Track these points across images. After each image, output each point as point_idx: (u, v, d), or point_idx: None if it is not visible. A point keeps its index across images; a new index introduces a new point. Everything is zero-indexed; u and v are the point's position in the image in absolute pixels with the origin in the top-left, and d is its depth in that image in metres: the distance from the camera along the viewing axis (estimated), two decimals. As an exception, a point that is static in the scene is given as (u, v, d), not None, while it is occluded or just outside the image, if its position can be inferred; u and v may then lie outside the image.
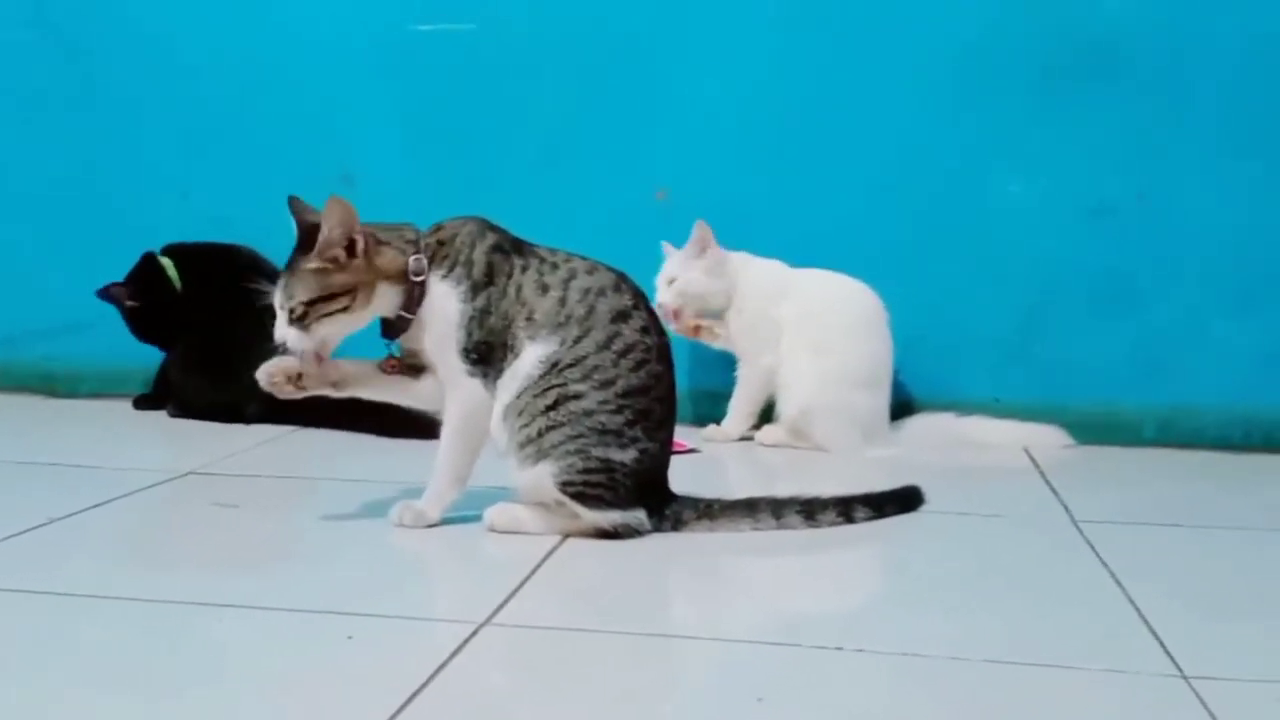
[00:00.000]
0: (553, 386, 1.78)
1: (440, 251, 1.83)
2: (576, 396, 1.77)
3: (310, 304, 1.77)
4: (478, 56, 2.85)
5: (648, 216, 2.78)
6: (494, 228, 1.87)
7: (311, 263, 1.77)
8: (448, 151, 2.87)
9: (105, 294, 2.75)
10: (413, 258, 1.81)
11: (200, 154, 2.96)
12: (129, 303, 2.75)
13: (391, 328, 1.84)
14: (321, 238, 1.77)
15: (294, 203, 1.85)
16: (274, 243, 2.79)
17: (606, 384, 1.78)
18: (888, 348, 2.58)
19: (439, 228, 1.87)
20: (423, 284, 1.81)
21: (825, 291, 2.59)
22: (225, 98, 2.95)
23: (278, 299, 1.80)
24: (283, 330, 1.79)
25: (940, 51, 2.70)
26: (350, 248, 1.77)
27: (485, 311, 1.80)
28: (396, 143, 2.89)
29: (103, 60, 2.99)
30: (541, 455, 1.78)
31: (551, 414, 1.78)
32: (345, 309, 1.78)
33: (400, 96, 2.88)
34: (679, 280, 2.58)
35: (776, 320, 2.58)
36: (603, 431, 1.78)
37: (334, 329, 1.80)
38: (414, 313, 1.82)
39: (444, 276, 1.82)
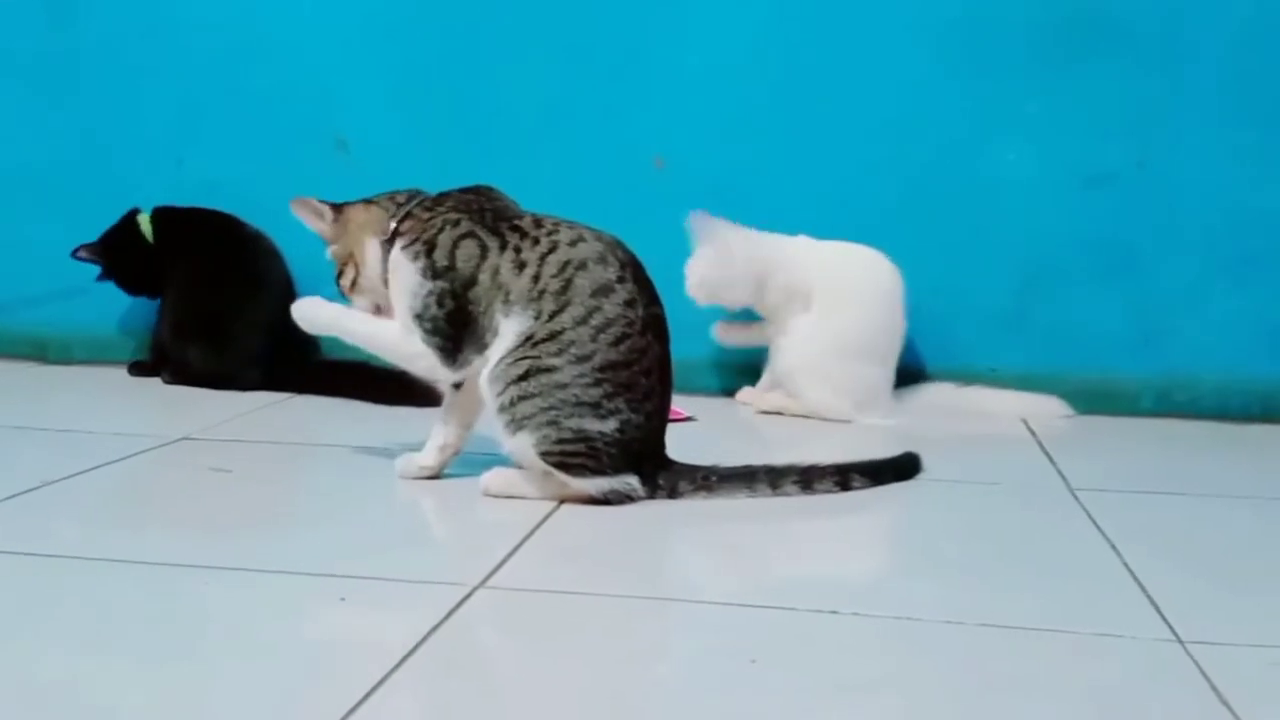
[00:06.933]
0: (525, 358, 1.77)
1: (404, 225, 1.89)
2: (549, 370, 1.76)
3: (339, 280, 1.97)
4: (474, 21, 2.82)
5: (646, 184, 2.76)
6: (479, 210, 1.87)
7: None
8: (443, 118, 2.83)
9: (76, 256, 2.76)
10: (392, 220, 1.90)
11: (194, 119, 2.93)
12: (96, 259, 2.76)
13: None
14: None
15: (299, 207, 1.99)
16: (268, 206, 2.79)
17: (583, 359, 1.76)
18: (896, 320, 2.56)
19: (443, 196, 1.92)
20: (390, 243, 1.89)
21: (836, 261, 2.56)
22: (220, 62, 2.91)
23: None
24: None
25: (938, 18, 2.67)
26: (331, 218, 1.96)
27: (448, 294, 1.82)
28: (391, 108, 2.86)
29: (95, 24, 2.95)
30: (518, 426, 1.78)
31: (523, 384, 1.77)
32: (358, 273, 1.94)
33: (395, 62, 2.85)
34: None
35: (807, 294, 2.54)
36: (577, 403, 1.76)
37: (367, 289, 1.94)
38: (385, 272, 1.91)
39: (403, 248, 1.87)
